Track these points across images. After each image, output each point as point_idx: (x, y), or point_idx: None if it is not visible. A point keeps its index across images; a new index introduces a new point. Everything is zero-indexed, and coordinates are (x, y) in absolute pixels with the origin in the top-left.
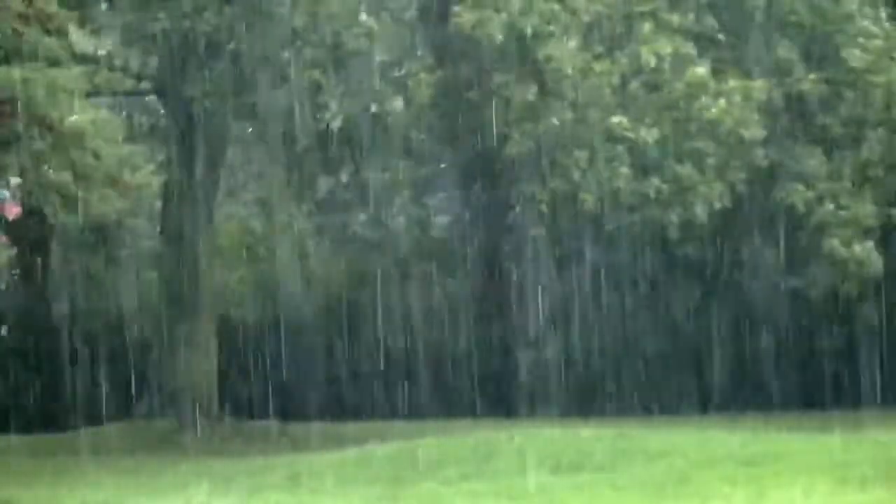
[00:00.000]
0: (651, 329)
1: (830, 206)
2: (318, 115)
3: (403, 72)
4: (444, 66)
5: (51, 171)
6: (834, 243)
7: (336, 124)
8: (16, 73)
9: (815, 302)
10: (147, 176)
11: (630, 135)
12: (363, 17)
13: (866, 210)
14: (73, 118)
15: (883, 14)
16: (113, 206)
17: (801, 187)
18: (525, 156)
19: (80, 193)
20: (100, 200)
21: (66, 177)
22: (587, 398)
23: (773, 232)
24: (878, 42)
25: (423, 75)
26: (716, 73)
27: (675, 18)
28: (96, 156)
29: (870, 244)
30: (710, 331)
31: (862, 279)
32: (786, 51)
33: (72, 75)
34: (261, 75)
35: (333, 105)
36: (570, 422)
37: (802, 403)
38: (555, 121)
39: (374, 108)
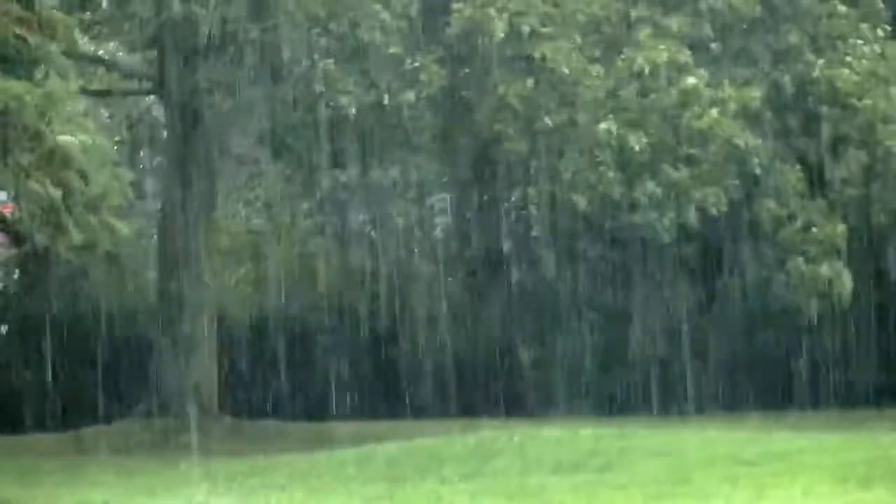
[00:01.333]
0: (650, 329)
1: (799, 224)
2: (332, 104)
3: (417, 63)
4: (444, 64)
5: (37, 185)
6: (799, 262)
7: (351, 112)
8: (13, 85)
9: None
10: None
11: (614, 142)
12: (377, 7)
13: (837, 231)
14: (66, 138)
15: (881, 32)
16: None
17: (773, 204)
18: (519, 156)
19: (65, 213)
20: (78, 225)
21: (54, 192)
22: (586, 398)
23: (755, 240)
24: (866, 63)
25: (434, 67)
26: (712, 79)
27: (674, 24)
28: (83, 177)
29: (839, 264)
30: (709, 332)
31: (831, 298)
32: (776, 66)
33: (68, 90)
34: (263, 68)
35: (343, 98)
36: (571, 422)
37: (803, 403)
38: (548, 122)
39: (386, 101)
